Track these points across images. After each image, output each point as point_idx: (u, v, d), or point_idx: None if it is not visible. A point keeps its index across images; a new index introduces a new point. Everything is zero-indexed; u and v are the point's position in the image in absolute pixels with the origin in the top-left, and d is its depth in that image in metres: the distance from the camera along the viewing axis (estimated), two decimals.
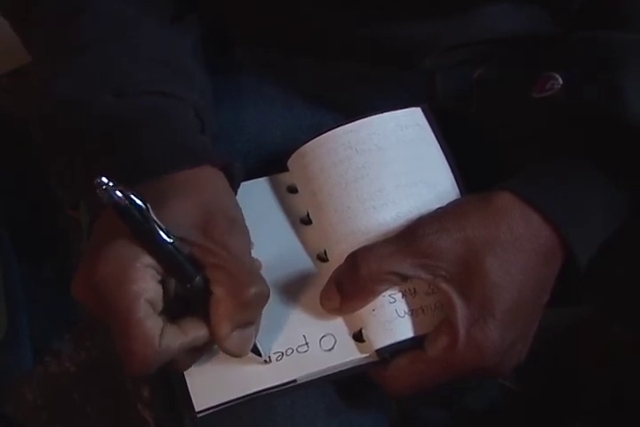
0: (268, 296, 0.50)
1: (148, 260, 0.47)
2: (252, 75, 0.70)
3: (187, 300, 0.50)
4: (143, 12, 0.59)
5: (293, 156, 0.60)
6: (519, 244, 0.51)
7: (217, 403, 0.52)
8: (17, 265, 1.15)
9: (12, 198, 1.21)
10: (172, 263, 0.48)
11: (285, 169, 0.61)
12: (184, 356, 0.50)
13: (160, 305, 0.48)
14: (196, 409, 0.52)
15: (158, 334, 0.47)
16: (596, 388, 1.03)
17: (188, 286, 0.48)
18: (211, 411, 0.52)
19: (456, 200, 0.55)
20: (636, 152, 0.53)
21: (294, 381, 0.52)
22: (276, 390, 0.52)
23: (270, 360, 0.53)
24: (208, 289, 0.49)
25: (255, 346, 0.51)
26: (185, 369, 0.52)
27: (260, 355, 0.52)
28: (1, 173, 1.21)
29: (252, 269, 0.51)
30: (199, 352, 0.52)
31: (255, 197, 0.59)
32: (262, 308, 0.51)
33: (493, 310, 0.50)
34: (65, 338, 1.19)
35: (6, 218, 1.18)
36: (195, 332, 0.49)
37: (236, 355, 0.50)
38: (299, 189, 0.60)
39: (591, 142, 0.54)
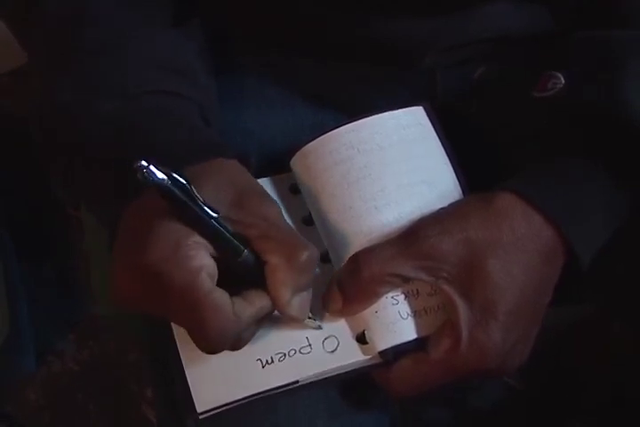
0: (318, 258, 0.50)
1: (197, 238, 0.47)
2: (253, 75, 0.70)
3: (235, 279, 0.49)
4: (144, 13, 0.59)
5: (295, 156, 0.59)
6: (521, 244, 0.51)
7: (219, 404, 0.52)
8: (17, 265, 1.15)
9: (11, 198, 1.21)
10: (220, 239, 0.48)
11: (288, 169, 0.61)
12: (248, 330, 0.50)
13: (216, 282, 0.48)
14: (198, 410, 0.52)
15: (229, 302, 0.47)
16: (597, 387, 1.03)
17: (239, 260, 0.48)
18: (213, 412, 0.52)
19: (458, 201, 0.55)
20: (636, 151, 0.53)
21: (296, 382, 0.52)
22: (277, 391, 0.52)
23: (322, 327, 0.53)
24: (259, 261, 0.49)
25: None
26: (242, 347, 0.51)
27: (314, 323, 0.53)
28: (1, 173, 1.21)
29: (296, 234, 0.51)
30: (256, 328, 0.51)
31: None
32: (314, 271, 0.51)
33: (496, 312, 0.50)
34: (68, 338, 1.19)
35: (6, 218, 1.18)
36: (260, 301, 0.49)
37: (297, 320, 0.51)
38: (301, 189, 0.60)
39: (591, 142, 0.54)
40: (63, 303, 1.19)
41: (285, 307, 0.49)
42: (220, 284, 0.48)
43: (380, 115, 0.58)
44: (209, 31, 0.66)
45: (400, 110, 0.58)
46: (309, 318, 0.52)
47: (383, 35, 0.62)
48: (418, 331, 0.52)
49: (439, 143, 0.58)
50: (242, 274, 0.50)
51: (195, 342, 0.47)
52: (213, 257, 0.48)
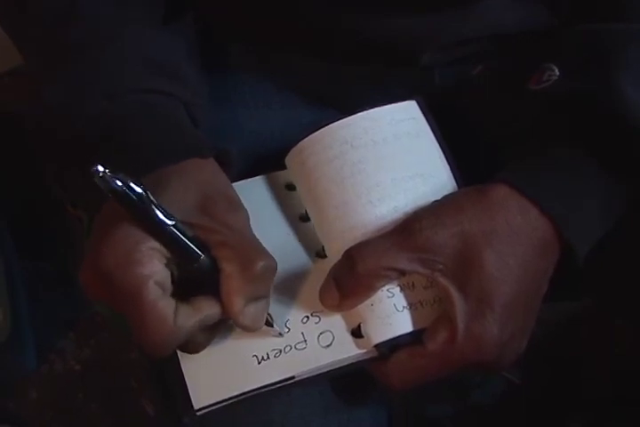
0: (276, 269, 0.51)
1: (152, 243, 0.48)
2: (251, 73, 0.70)
3: (194, 282, 0.50)
4: (131, 13, 0.59)
5: (290, 153, 0.59)
6: (516, 236, 0.51)
7: (215, 401, 0.52)
8: (18, 264, 1.16)
9: (12, 198, 1.21)
10: (175, 245, 0.48)
11: (285, 167, 0.61)
12: (199, 335, 0.50)
13: (169, 288, 0.49)
14: (195, 407, 0.52)
15: (172, 313, 0.47)
16: (597, 383, 1.03)
17: (195, 266, 0.49)
18: (210, 409, 0.52)
19: (452, 193, 0.55)
20: (631, 143, 0.52)
21: (292, 377, 0.52)
22: (274, 387, 0.52)
23: (283, 334, 0.53)
24: (216, 267, 0.49)
25: (267, 319, 0.52)
26: (200, 351, 0.52)
27: (273, 327, 0.53)
28: (1, 173, 1.21)
29: (257, 243, 0.51)
30: (213, 332, 0.52)
31: (254, 196, 0.59)
32: (271, 281, 0.51)
33: (492, 304, 0.50)
34: (69, 336, 1.19)
35: (6, 218, 1.19)
36: (208, 309, 0.49)
37: (250, 329, 0.51)
38: (296, 186, 0.60)
39: (586, 134, 0.54)
40: (64, 302, 1.19)
41: (237, 316, 0.49)
42: (175, 287, 0.49)
43: (374, 109, 0.58)
44: (203, 29, 0.66)
45: (393, 105, 0.58)
46: (270, 325, 0.53)
47: (383, 33, 0.62)
48: (414, 324, 0.52)
49: (433, 137, 0.57)
50: (198, 279, 0.50)
51: (139, 344, 0.48)
52: (169, 261, 0.49)
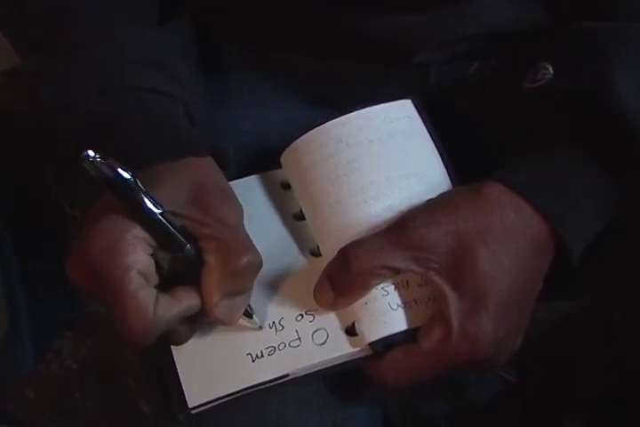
0: (261, 266, 0.51)
1: (138, 232, 0.48)
2: (251, 73, 0.70)
3: (179, 273, 0.50)
4: (129, 12, 0.59)
5: (285, 151, 0.60)
6: (510, 235, 0.51)
7: (210, 399, 0.52)
8: (15, 264, 1.16)
9: (11, 198, 1.22)
10: (162, 233, 0.48)
11: (280, 166, 0.61)
12: (180, 326, 0.51)
13: (154, 277, 0.49)
14: (190, 405, 0.52)
15: (152, 303, 0.47)
16: (594, 382, 1.03)
17: (180, 255, 0.49)
18: (204, 407, 0.52)
19: (447, 191, 0.55)
20: (625, 140, 0.52)
21: (287, 375, 0.52)
22: (268, 385, 0.52)
23: (263, 327, 0.54)
24: (200, 259, 0.49)
25: (247, 311, 0.52)
26: (183, 342, 0.52)
27: (254, 323, 0.53)
28: (1, 172, 1.21)
29: (245, 239, 0.51)
30: (195, 324, 0.52)
31: (249, 194, 0.59)
32: (254, 277, 0.51)
33: (486, 302, 0.50)
34: (66, 336, 1.19)
35: (6, 218, 1.19)
36: (188, 300, 0.49)
37: (224, 323, 0.51)
38: (291, 184, 0.60)
39: (581, 132, 0.54)
40: (63, 302, 1.19)
41: (212, 309, 0.50)
42: (163, 277, 0.49)
43: (369, 108, 0.58)
44: (199, 28, 0.66)
45: (388, 104, 0.58)
46: (250, 317, 0.53)
47: (383, 33, 0.62)
48: (408, 322, 0.52)
49: (428, 136, 0.58)
50: (182, 270, 0.50)
51: (120, 333, 0.48)
52: (155, 251, 0.49)
